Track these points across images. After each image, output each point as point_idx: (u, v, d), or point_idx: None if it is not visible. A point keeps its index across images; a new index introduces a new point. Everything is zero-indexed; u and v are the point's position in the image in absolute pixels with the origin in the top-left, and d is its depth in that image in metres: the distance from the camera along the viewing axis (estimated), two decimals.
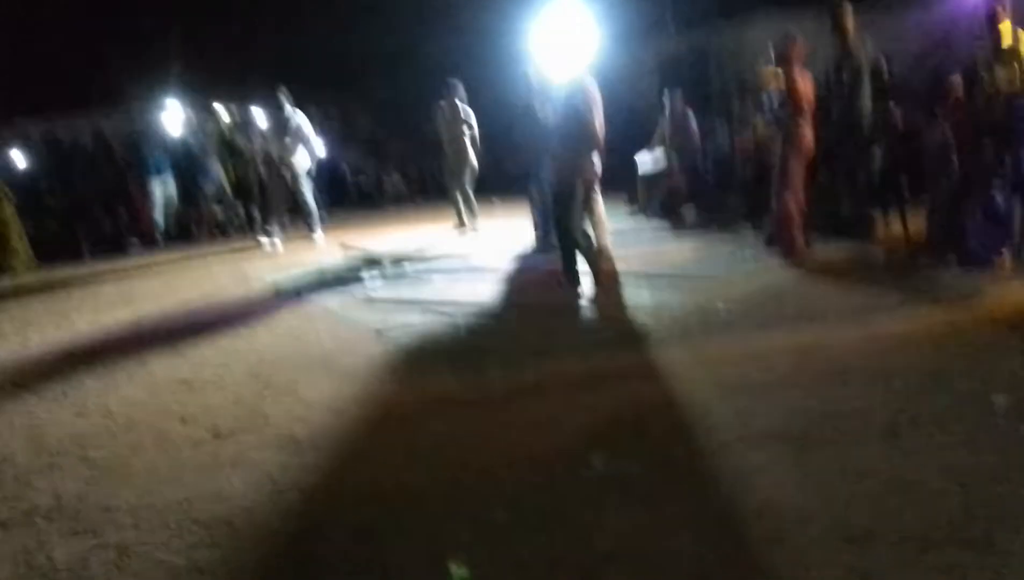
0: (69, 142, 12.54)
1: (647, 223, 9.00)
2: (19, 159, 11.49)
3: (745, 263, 6.26)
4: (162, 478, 3.24)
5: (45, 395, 4.54)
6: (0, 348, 5.79)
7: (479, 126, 9.25)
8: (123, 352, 5.30)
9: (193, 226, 11.69)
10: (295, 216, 12.50)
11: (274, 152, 9.04)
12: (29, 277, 9.73)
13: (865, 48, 6.60)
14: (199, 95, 12.36)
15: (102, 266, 9.84)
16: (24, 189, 11.26)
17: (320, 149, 13.82)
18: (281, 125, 8.96)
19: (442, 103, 9.12)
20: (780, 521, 2.45)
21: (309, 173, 9.34)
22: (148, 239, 11.33)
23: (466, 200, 9.16)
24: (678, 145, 9.53)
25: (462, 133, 8.99)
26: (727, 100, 10.72)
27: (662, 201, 9.37)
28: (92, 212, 11.10)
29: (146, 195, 11.36)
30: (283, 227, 11.92)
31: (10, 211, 10.07)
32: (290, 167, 8.98)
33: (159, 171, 11.36)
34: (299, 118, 9.07)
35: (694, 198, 9.37)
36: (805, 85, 6.00)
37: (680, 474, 2.86)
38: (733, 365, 3.92)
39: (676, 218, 8.99)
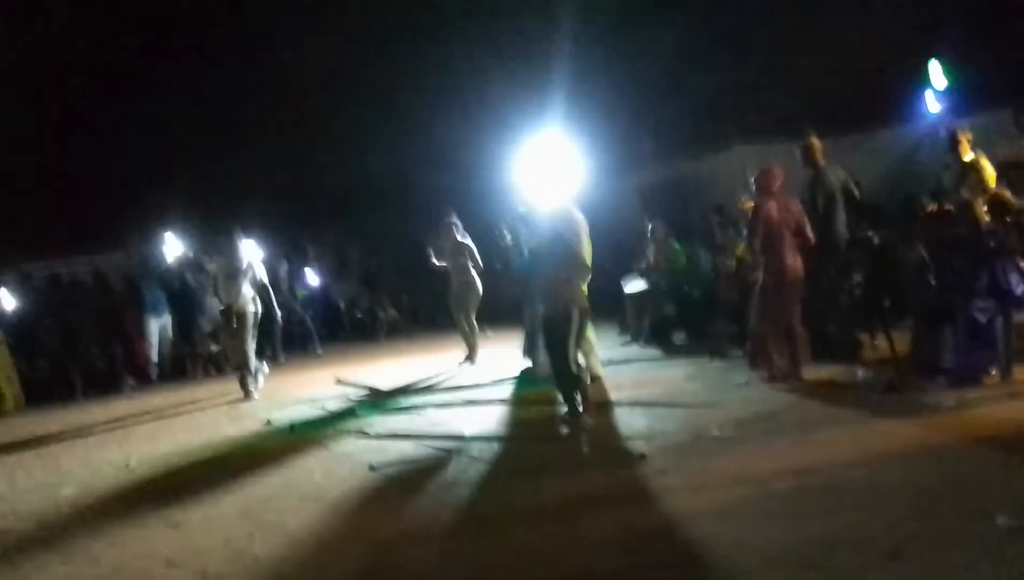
0: (68, 280, 12.72)
1: (639, 351, 9.08)
2: (11, 299, 11.56)
3: (737, 388, 6.29)
4: None
5: (27, 540, 4.43)
6: None
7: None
8: (112, 494, 5.21)
9: (188, 363, 11.69)
10: (290, 347, 12.62)
11: (223, 297, 8.48)
12: (17, 418, 9.63)
13: (837, 176, 6.92)
14: (196, 231, 12.68)
15: (94, 406, 9.77)
16: (20, 329, 11.32)
17: (313, 279, 14.10)
18: (233, 268, 8.39)
19: (445, 237, 9.34)
20: None
21: (255, 318, 8.62)
22: (143, 377, 11.31)
23: (472, 330, 9.24)
24: (663, 271, 9.76)
25: (467, 264, 9.19)
26: (708, 227, 11.07)
27: (652, 327, 9.49)
28: (87, 350, 11.12)
29: (143, 333, 11.44)
30: (273, 359, 11.96)
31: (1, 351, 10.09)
32: (236, 313, 8.33)
33: (156, 309, 11.50)
34: (252, 261, 8.60)
35: (683, 323, 9.50)
36: (780, 214, 6.14)
37: None
38: (730, 489, 3.89)
39: (667, 344, 9.08)
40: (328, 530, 3.99)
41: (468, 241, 9.31)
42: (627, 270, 10.23)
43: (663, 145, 15.58)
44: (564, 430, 5.49)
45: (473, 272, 9.20)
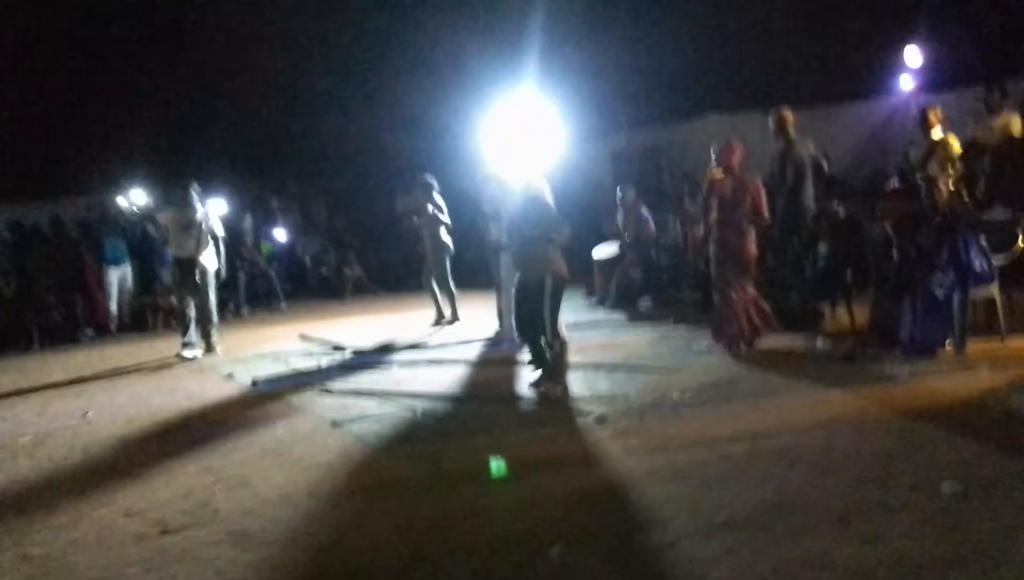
0: (29, 229, 12.39)
1: (604, 314, 9.15)
2: None
3: (699, 354, 6.39)
4: (105, 576, 3.12)
5: None
6: None
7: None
8: (70, 444, 5.15)
9: (148, 315, 11.52)
10: (254, 302, 12.50)
11: (176, 250, 8.22)
12: None
13: (807, 149, 6.97)
14: (160, 183, 12.40)
15: (52, 356, 9.60)
16: None
17: (279, 235, 13.91)
18: (186, 221, 8.11)
19: (421, 198, 9.21)
20: None
21: (218, 275, 8.41)
22: (102, 328, 11.12)
23: (446, 290, 9.18)
24: (632, 237, 9.80)
25: (439, 226, 9.11)
26: (678, 196, 11.13)
27: (619, 292, 9.56)
28: (45, 300, 10.88)
29: (101, 283, 11.22)
30: (237, 312, 11.83)
31: None
32: (196, 268, 8.05)
33: (117, 260, 11.27)
34: (208, 215, 8.34)
35: (649, 290, 9.58)
36: (734, 193, 6.15)
37: (636, 566, 2.85)
38: (687, 452, 3.96)
39: (633, 309, 9.16)
40: (290, 485, 3.99)
41: (441, 202, 9.22)
42: (598, 235, 10.26)
43: (638, 112, 15.56)
44: (534, 393, 5.51)
45: (445, 233, 9.14)
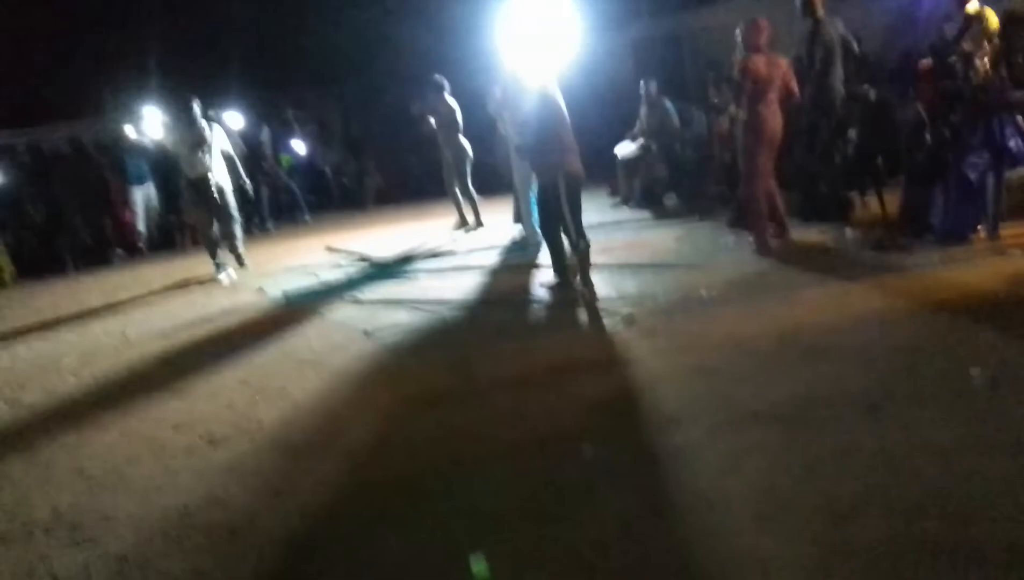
0: (49, 153, 12.42)
1: (629, 213, 9.06)
2: None
3: (726, 250, 6.34)
4: (159, 486, 3.27)
5: (37, 410, 4.56)
6: None
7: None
8: (112, 362, 5.31)
9: (176, 233, 11.64)
10: (277, 215, 12.56)
11: (187, 170, 7.93)
12: (12, 291, 9.69)
13: (836, 29, 6.68)
14: (177, 99, 12.26)
15: (86, 278, 9.80)
16: (4, 202, 11.18)
17: (300, 148, 13.81)
18: (193, 140, 7.83)
19: (434, 101, 9.00)
20: (769, 501, 2.52)
21: (242, 191, 8.30)
22: (132, 249, 11.29)
23: (468, 197, 9.11)
24: (656, 133, 9.58)
25: (456, 129, 8.95)
26: (703, 87, 10.78)
27: (643, 190, 9.43)
28: (73, 223, 11.02)
29: (128, 203, 11.31)
30: (262, 226, 11.90)
31: None
32: (212, 186, 7.86)
33: (140, 179, 11.31)
34: (214, 131, 8.06)
35: (674, 186, 9.44)
36: (768, 69, 5.94)
37: (668, 458, 2.93)
38: (716, 350, 3.99)
39: (658, 207, 9.06)
40: (328, 396, 4.10)
41: (455, 105, 9.03)
42: (620, 133, 10.02)
43: None
44: (556, 294, 5.55)
45: (462, 137, 8.99)
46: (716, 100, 9.49)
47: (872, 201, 6.66)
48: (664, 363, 3.93)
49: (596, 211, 8.37)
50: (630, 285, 5.59)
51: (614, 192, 10.11)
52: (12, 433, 4.22)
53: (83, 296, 8.21)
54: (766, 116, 5.91)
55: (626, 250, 6.78)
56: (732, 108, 7.96)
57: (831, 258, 5.64)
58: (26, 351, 6.09)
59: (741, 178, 6.26)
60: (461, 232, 9.02)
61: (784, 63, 6.06)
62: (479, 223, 9.07)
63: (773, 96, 5.93)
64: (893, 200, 6.28)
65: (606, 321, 4.82)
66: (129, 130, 11.46)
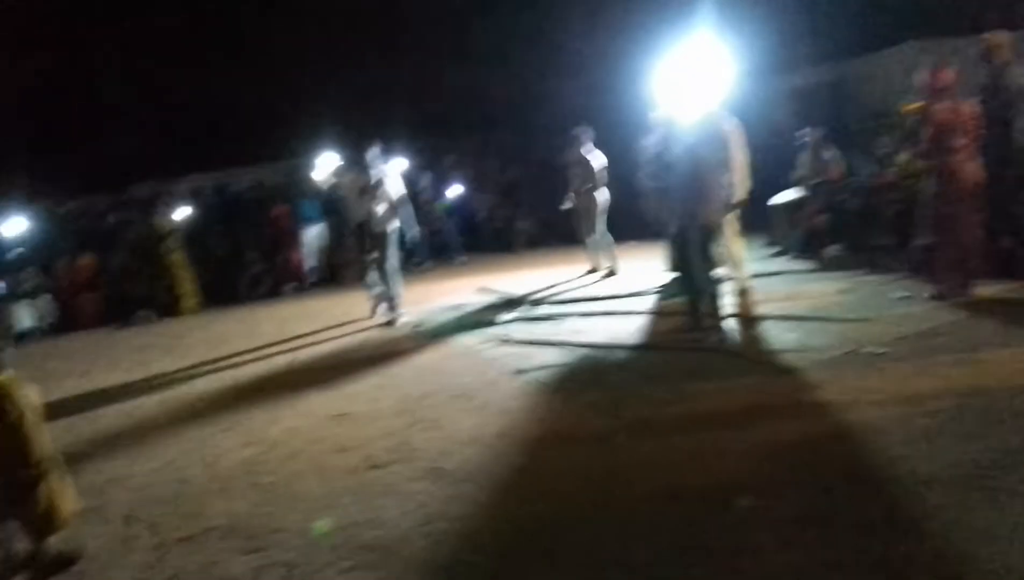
0: (233, 194, 13.70)
1: (788, 263, 8.75)
2: (186, 211, 12.63)
3: (896, 303, 5.97)
4: (323, 503, 3.48)
5: (218, 425, 4.97)
6: (173, 385, 6.37)
7: (610, 170, 9.37)
8: (282, 387, 5.71)
9: (342, 270, 12.40)
10: (433, 256, 13.11)
11: (353, 216, 7.98)
12: (197, 319, 10.63)
13: (1020, 74, 6.23)
14: (350, 146, 13.19)
15: (259, 308, 10.62)
16: (193, 238, 12.37)
17: (454, 190, 14.42)
18: (362, 185, 7.86)
19: (570, 151, 9.29)
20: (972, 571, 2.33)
21: (402, 235, 8.22)
22: (300, 282, 12.18)
23: (603, 243, 9.24)
24: (817, 182, 9.25)
25: (592, 178, 9.13)
26: (867, 136, 10.32)
27: (803, 240, 9.09)
28: (250, 258, 12.04)
29: (298, 243, 12.24)
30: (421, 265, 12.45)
31: (179, 257, 11.10)
32: (376, 235, 7.83)
33: (312, 220, 12.24)
34: (388, 177, 8.06)
35: (837, 236, 9.03)
36: (951, 116, 5.64)
37: (834, 519, 2.78)
38: (886, 407, 3.76)
39: (819, 258, 8.69)
40: (480, 429, 4.21)
41: (592, 156, 9.20)
42: (779, 180, 9.74)
43: (822, 44, 14.50)
44: (703, 340, 5.45)
45: (602, 187, 9.15)
46: (881, 149, 9.06)
47: None
48: (827, 418, 3.76)
49: (754, 260, 8.14)
50: (791, 336, 5.38)
51: (772, 241, 9.80)
52: (192, 445, 4.61)
53: (257, 326, 8.88)
54: (954, 164, 5.61)
55: (786, 302, 6.53)
56: (901, 156, 7.59)
57: (1015, 317, 5.18)
58: (208, 375, 6.64)
59: (922, 228, 5.93)
60: (602, 277, 9.09)
61: (969, 109, 5.73)
62: (613, 271, 9.12)
63: (962, 143, 5.62)
64: None
65: (761, 371, 4.66)
66: (307, 175, 12.42)
